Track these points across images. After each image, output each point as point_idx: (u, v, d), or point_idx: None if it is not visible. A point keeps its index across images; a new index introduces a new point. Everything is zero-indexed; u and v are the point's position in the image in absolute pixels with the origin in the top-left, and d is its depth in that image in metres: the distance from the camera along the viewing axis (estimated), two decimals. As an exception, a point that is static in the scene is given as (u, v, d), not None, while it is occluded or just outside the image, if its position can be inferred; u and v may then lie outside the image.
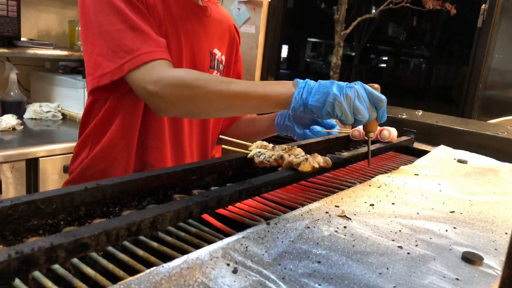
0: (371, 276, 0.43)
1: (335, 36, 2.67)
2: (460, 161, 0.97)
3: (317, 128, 1.05)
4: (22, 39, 1.97)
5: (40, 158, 1.72)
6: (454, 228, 0.58)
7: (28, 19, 2.23)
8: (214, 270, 0.40)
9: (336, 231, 0.52)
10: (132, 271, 0.42)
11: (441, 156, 1.00)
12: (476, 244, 0.53)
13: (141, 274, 0.38)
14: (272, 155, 0.73)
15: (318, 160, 0.72)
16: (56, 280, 0.40)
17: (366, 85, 0.75)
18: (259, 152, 0.75)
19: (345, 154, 0.89)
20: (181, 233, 0.51)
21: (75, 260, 0.42)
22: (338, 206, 0.61)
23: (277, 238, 0.49)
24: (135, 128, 0.97)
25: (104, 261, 0.43)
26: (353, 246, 0.49)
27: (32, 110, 2.12)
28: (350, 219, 0.57)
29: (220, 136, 1.03)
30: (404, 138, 1.13)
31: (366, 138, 0.83)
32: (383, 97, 0.76)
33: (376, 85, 0.77)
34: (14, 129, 1.89)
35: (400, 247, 0.50)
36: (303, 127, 1.09)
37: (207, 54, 1.06)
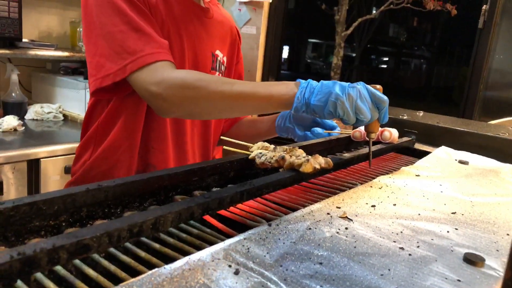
0: (373, 277, 0.43)
1: (335, 37, 2.67)
2: (461, 162, 0.97)
3: (318, 129, 1.05)
4: (24, 40, 1.97)
5: (41, 159, 1.72)
6: (456, 229, 0.57)
7: (30, 20, 2.24)
8: (215, 271, 0.40)
9: (337, 232, 0.52)
10: (134, 273, 0.42)
11: (442, 157, 1.00)
12: (477, 245, 0.53)
13: (143, 275, 0.38)
14: (273, 156, 0.73)
15: (319, 161, 0.72)
16: (58, 281, 0.40)
17: (368, 86, 0.76)
18: (260, 153, 0.75)
19: (346, 155, 0.89)
20: (183, 234, 0.51)
21: (77, 262, 0.42)
22: (339, 207, 0.61)
23: (279, 239, 0.49)
24: (138, 129, 0.97)
25: (106, 263, 0.43)
26: (355, 247, 0.49)
27: (34, 111, 2.12)
28: (352, 220, 0.57)
29: (221, 137, 1.03)
30: (405, 139, 1.13)
31: (367, 139, 0.83)
32: (385, 97, 0.76)
33: (378, 86, 0.77)
34: (15, 130, 1.90)
35: (401, 248, 0.50)
36: (304, 128, 1.09)
37: (209, 55, 1.06)
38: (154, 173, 0.64)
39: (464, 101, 2.34)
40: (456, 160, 0.99)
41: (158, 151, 1.00)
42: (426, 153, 1.04)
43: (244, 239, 0.48)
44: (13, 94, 2.09)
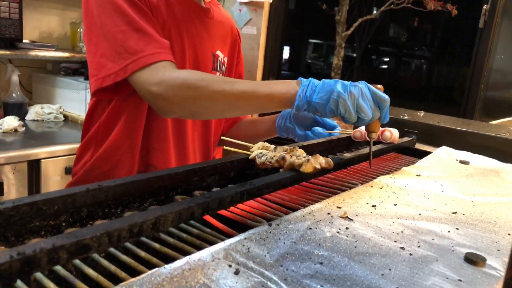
0: (374, 277, 0.42)
1: (336, 37, 2.67)
2: (462, 162, 0.97)
3: (319, 129, 1.05)
4: (24, 41, 1.98)
5: (42, 160, 1.72)
6: (457, 229, 0.57)
7: (30, 21, 2.24)
8: (216, 271, 0.40)
9: (338, 232, 0.52)
10: (134, 272, 0.42)
11: (443, 157, 1.00)
12: (478, 245, 0.53)
13: (143, 275, 0.38)
14: (274, 156, 0.73)
15: (319, 161, 0.72)
16: (58, 281, 0.40)
17: (370, 85, 0.76)
18: (261, 153, 0.75)
19: (347, 155, 0.88)
20: (183, 234, 0.51)
21: (77, 261, 0.42)
22: (340, 207, 0.61)
23: (279, 239, 0.49)
24: (139, 130, 0.97)
25: (106, 262, 0.43)
26: (355, 247, 0.49)
27: (34, 112, 2.12)
28: (352, 220, 0.57)
29: (222, 137, 1.03)
30: (405, 139, 1.13)
31: (368, 138, 0.82)
32: (387, 97, 0.76)
33: (380, 86, 0.77)
34: (16, 130, 1.90)
35: (402, 248, 0.50)
36: (304, 128, 1.09)
37: (209, 55, 1.06)
38: (154, 173, 0.64)
39: (464, 101, 2.34)
40: (457, 160, 0.98)
41: (159, 151, 1.00)
42: (426, 153, 1.03)
43: (245, 239, 0.48)
44: (14, 95, 2.09)
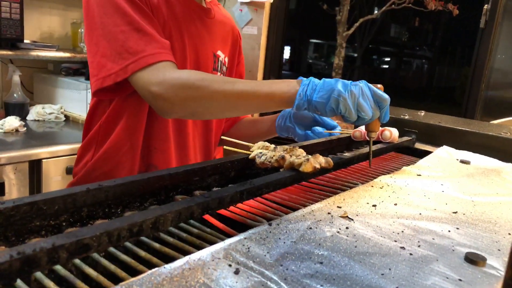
0: (374, 276, 0.42)
1: (337, 37, 2.67)
2: (462, 161, 0.97)
3: (319, 129, 1.05)
4: (25, 41, 1.98)
5: (43, 160, 1.72)
6: (457, 228, 0.57)
7: (31, 21, 2.24)
8: (216, 271, 0.40)
9: (338, 232, 0.52)
10: (134, 272, 0.42)
11: (443, 156, 1.00)
12: (479, 244, 0.53)
13: (143, 275, 0.38)
14: (274, 155, 0.73)
15: (319, 161, 0.72)
16: (58, 281, 0.40)
17: (370, 84, 0.76)
18: (261, 153, 0.75)
19: (347, 154, 0.88)
20: (183, 234, 0.51)
21: (77, 261, 0.42)
22: (340, 207, 0.61)
23: (279, 239, 0.49)
24: (140, 130, 0.97)
25: (106, 262, 0.43)
26: (356, 246, 0.49)
27: (35, 112, 2.13)
28: (352, 219, 0.57)
29: (222, 137, 1.03)
30: (405, 138, 1.13)
31: (368, 138, 0.82)
32: (387, 96, 0.76)
33: (380, 85, 0.77)
34: (17, 130, 1.90)
35: (402, 247, 0.50)
36: (304, 128, 1.09)
37: (210, 56, 1.06)
38: (155, 173, 0.64)
39: (465, 101, 2.34)
40: (457, 159, 0.98)
41: (160, 151, 1.00)
42: (426, 153, 1.03)
43: (245, 238, 0.48)
44: (15, 95, 2.10)
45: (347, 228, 0.54)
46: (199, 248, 0.47)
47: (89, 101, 2.03)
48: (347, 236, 0.51)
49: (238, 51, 1.20)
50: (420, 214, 0.61)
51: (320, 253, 0.46)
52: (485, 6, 2.19)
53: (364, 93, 0.74)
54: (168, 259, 0.44)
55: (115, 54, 0.85)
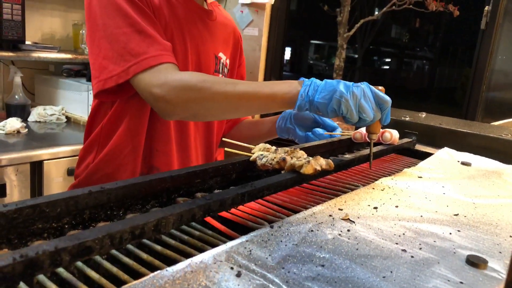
0: (375, 279, 0.43)
1: (338, 38, 2.67)
2: (464, 163, 0.97)
3: (319, 130, 1.05)
4: (27, 42, 1.98)
5: (44, 161, 1.73)
6: (458, 231, 0.57)
7: (33, 23, 2.25)
8: (218, 273, 0.40)
9: (339, 235, 0.52)
10: (136, 275, 0.42)
11: (444, 158, 1.00)
12: (480, 247, 0.53)
13: (145, 277, 0.38)
14: (275, 157, 0.73)
15: (320, 163, 0.72)
16: (61, 283, 0.40)
17: (372, 86, 0.76)
18: (261, 154, 0.75)
19: (348, 156, 0.89)
20: (185, 236, 0.51)
21: (79, 264, 0.43)
22: (341, 209, 0.61)
23: (281, 241, 0.49)
24: (142, 132, 0.97)
25: (108, 265, 0.44)
26: (357, 249, 0.49)
27: (37, 113, 2.13)
28: (354, 222, 0.57)
29: (223, 139, 1.03)
30: (406, 140, 1.13)
31: (369, 140, 0.83)
32: (388, 98, 0.76)
33: (381, 87, 0.78)
34: (18, 132, 1.90)
35: (404, 250, 0.50)
36: (305, 129, 1.09)
37: (212, 57, 1.06)
38: (156, 175, 0.64)
39: (466, 102, 2.33)
40: (458, 161, 0.98)
41: (162, 153, 1.00)
42: (427, 154, 1.03)
43: (246, 241, 0.48)
44: (16, 97, 2.10)
45: (348, 230, 0.54)
46: (201, 250, 0.47)
47: (90, 102, 2.04)
48: (349, 239, 0.51)
49: (239, 52, 1.20)
50: (421, 216, 0.62)
51: (321, 256, 0.46)
52: (486, 8, 2.19)
53: (365, 95, 0.74)
54: (170, 262, 0.44)
55: (117, 56, 0.85)
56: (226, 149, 0.89)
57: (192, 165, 1.04)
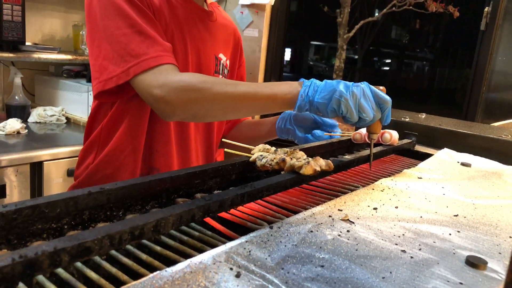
0: (375, 280, 0.42)
1: (338, 39, 2.68)
2: (463, 164, 0.97)
3: (319, 132, 1.05)
4: (27, 43, 1.99)
5: (44, 162, 1.73)
6: (458, 232, 0.57)
7: (33, 24, 2.25)
8: (217, 274, 0.40)
9: (339, 235, 0.52)
10: (135, 275, 0.42)
11: (444, 159, 1.00)
12: (480, 248, 0.53)
13: (144, 278, 0.38)
14: (274, 158, 0.73)
15: (320, 163, 0.72)
16: (60, 284, 0.40)
17: (372, 86, 0.76)
18: (261, 155, 0.75)
19: (347, 157, 0.88)
20: (184, 237, 0.51)
21: (79, 264, 0.42)
22: (341, 210, 0.61)
23: (280, 242, 0.49)
24: (142, 133, 0.97)
25: (107, 265, 0.44)
26: (356, 250, 0.49)
27: (37, 114, 2.13)
28: (353, 223, 0.57)
29: (223, 139, 1.04)
30: (405, 141, 1.13)
31: (369, 140, 0.83)
32: (388, 98, 0.76)
33: (382, 87, 0.78)
34: (18, 133, 1.90)
35: (403, 251, 0.50)
36: (304, 130, 1.09)
37: (212, 58, 1.06)
38: (156, 176, 0.64)
39: (466, 103, 2.34)
40: (458, 162, 0.98)
41: (162, 154, 1.00)
42: (426, 155, 1.03)
43: (246, 241, 0.48)
44: (16, 97, 2.10)
45: (348, 231, 0.54)
46: (200, 251, 0.47)
47: (90, 103, 2.04)
48: (348, 239, 0.51)
49: (239, 53, 1.21)
50: (421, 217, 0.62)
51: (321, 257, 0.46)
52: (486, 9, 2.19)
53: (365, 94, 0.74)
54: (170, 262, 0.44)
55: (117, 56, 0.85)
56: (226, 150, 0.89)
57: (192, 166, 1.04)
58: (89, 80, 2.14)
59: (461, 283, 0.43)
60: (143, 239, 0.49)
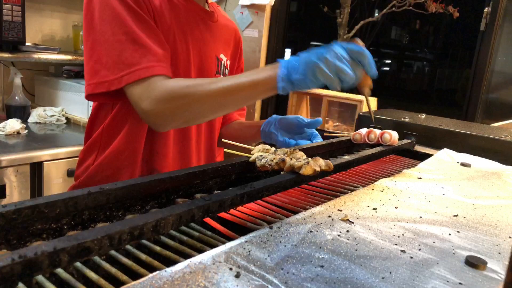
0: (374, 280, 0.42)
1: (338, 40, 2.68)
2: (463, 164, 0.97)
3: (301, 140, 1.04)
4: (27, 44, 1.99)
5: (44, 162, 1.73)
6: (458, 232, 0.57)
7: (33, 24, 2.25)
8: (216, 274, 0.40)
9: (339, 235, 0.52)
10: (135, 275, 0.42)
11: (444, 159, 1.00)
12: (479, 248, 0.53)
13: (144, 278, 0.38)
14: (274, 158, 0.73)
15: (319, 164, 0.72)
16: (60, 284, 0.40)
17: (345, 43, 0.74)
18: (261, 155, 0.75)
19: (347, 157, 0.89)
20: (184, 237, 0.51)
21: (78, 264, 0.42)
22: (341, 210, 0.61)
23: (280, 242, 0.49)
24: (142, 135, 0.97)
25: (107, 265, 0.44)
26: (356, 250, 0.49)
27: (37, 114, 2.13)
28: (353, 223, 0.57)
29: (223, 140, 1.03)
30: (405, 141, 1.13)
31: (364, 96, 0.79)
32: (364, 49, 0.73)
33: (357, 39, 0.75)
34: (18, 133, 1.90)
35: (403, 251, 0.50)
36: (288, 135, 1.08)
37: (214, 59, 1.06)
38: (156, 176, 0.64)
39: (466, 104, 2.34)
40: (458, 162, 0.98)
41: (162, 156, 1.00)
42: (426, 155, 1.03)
43: (245, 242, 0.48)
44: (16, 98, 2.10)
45: (347, 231, 0.54)
46: (200, 251, 0.47)
47: (90, 103, 2.04)
48: (348, 240, 0.51)
49: (239, 54, 1.21)
50: (421, 217, 0.62)
51: (320, 257, 0.46)
52: (486, 9, 2.19)
53: (339, 56, 0.71)
54: (169, 263, 0.44)
55: (110, 62, 0.86)
56: (225, 150, 0.89)
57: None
58: (89, 81, 2.13)
59: (460, 283, 0.43)
60: (142, 239, 0.49)
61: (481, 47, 2.24)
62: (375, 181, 0.78)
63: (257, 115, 2.78)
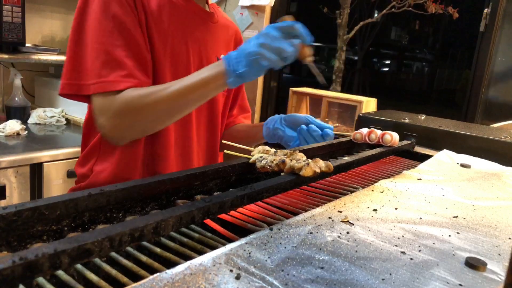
0: (374, 281, 0.43)
1: (337, 41, 2.68)
2: (463, 165, 0.97)
3: (313, 127, 1.03)
4: (27, 44, 1.99)
5: (44, 163, 1.73)
6: (457, 233, 0.57)
7: (33, 25, 2.25)
8: (217, 276, 0.40)
9: (339, 237, 0.52)
10: (136, 277, 0.42)
11: (444, 160, 1.00)
12: (479, 249, 0.53)
13: (144, 280, 0.38)
14: (274, 160, 0.73)
15: (319, 165, 0.72)
16: (60, 286, 0.40)
17: (274, 24, 0.77)
18: (261, 157, 0.75)
19: (347, 158, 0.89)
20: (184, 238, 0.51)
21: (79, 266, 0.43)
22: (341, 212, 0.61)
23: (280, 243, 0.49)
24: (141, 138, 0.97)
25: (107, 267, 0.44)
26: (356, 251, 0.49)
27: (36, 115, 2.13)
28: (353, 224, 0.57)
29: (222, 141, 1.03)
30: (405, 142, 1.13)
31: (308, 66, 0.82)
32: (291, 23, 0.76)
33: (287, 16, 0.79)
34: (18, 134, 1.90)
35: (403, 252, 0.50)
36: (295, 131, 1.08)
37: (214, 60, 1.06)
38: (156, 177, 0.64)
39: (466, 104, 2.34)
40: (458, 163, 0.98)
41: (163, 158, 1.00)
42: (427, 156, 1.03)
43: (246, 243, 0.48)
44: (16, 99, 2.10)
45: (347, 232, 0.54)
46: (200, 253, 0.47)
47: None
48: (348, 241, 0.51)
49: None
50: (421, 218, 0.62)
51: (321, 258, 0.46)
52: (485, 10, 2.19)
53: (272, 37, 0.74)
54: (170, 264, 0.44)
55: (84, 68, 0.88)
56: (225, 151, 0.89)
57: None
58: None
59: (460, 285, 0.43)
60: (143, 240, 0.49)
61: (481, 48, 2.24)
62: (375, 182, 0.78)
63: (257, 116, 2.78)
